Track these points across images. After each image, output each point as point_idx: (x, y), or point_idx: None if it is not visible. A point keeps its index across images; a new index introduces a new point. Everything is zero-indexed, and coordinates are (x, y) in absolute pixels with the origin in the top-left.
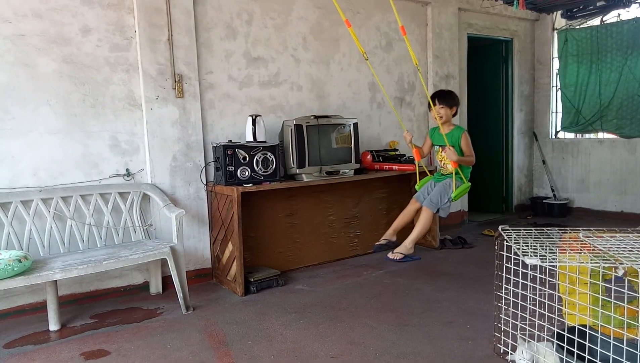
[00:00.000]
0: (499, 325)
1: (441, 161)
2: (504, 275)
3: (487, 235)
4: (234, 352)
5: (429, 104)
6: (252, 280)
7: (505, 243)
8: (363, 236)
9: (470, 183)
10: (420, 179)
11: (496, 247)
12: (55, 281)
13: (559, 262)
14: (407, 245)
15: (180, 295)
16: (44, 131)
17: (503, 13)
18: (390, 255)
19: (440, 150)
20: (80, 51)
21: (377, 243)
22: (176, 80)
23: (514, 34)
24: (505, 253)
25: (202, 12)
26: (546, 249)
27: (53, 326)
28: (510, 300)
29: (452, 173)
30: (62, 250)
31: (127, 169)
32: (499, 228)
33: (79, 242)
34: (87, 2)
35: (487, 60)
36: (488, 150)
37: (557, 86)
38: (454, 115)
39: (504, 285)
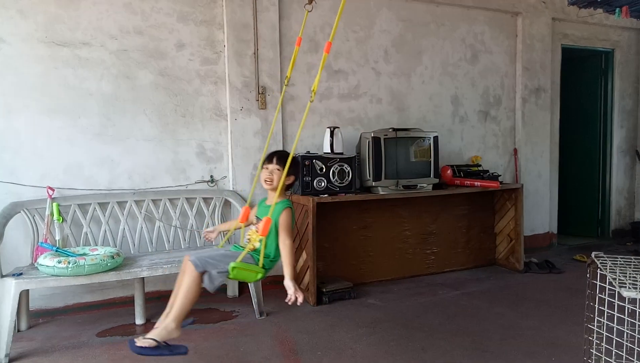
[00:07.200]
0: (589, 360)
1: (249, 236)
2: (596, 306)
3: (579, 260)
4: (304, 361)
5: (263, 161)
6: (324, 290)
7: (599, 271)
8: (440, 254)
9: (263, 272)
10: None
11: (588, 275)
12: (143, 278)
13: None
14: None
15: (254, 300)
16: (140, 138)
17: (603, 22)
18: (138, 342)
19: (256, 222)
20: (174, 64)
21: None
22: (260, 92)
23: (616, 45)
24: (598, 283)
25: (287, 27)
26: None
27: (139, 320)
28: (603, 334)
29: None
30: (150, 249)
31: (211, 176)
32: (592, 255)
33: (165, 243)
34: (182, 19)
35: (584, 72)
36: (582, 169)
37: None
38: (288, 188)
39: (597, 318)
